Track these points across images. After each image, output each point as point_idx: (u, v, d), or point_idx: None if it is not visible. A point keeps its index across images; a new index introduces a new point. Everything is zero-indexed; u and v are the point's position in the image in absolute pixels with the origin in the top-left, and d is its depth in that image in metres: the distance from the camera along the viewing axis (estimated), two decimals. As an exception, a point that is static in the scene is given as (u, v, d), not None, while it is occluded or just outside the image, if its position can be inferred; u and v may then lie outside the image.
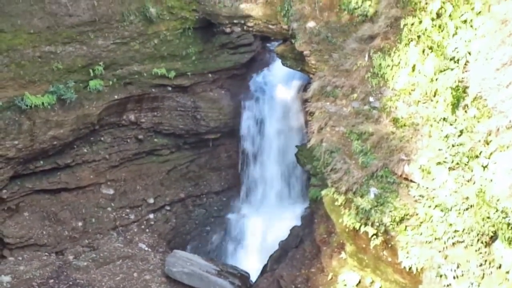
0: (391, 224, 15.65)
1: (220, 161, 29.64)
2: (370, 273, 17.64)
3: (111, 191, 26.34)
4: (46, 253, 23.64)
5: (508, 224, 13.31)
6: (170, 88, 26.19)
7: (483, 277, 14.19)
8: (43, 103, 21.95)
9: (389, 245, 16.02)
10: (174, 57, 25.48)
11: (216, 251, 28.71)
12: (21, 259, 23.06)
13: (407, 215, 15.52)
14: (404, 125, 16.37)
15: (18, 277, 21.83)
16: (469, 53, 15.10)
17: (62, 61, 22.35)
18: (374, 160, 16.41)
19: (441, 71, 15.74)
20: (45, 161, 23.80)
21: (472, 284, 14.25)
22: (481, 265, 14.24)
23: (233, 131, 28.64)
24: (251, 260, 27.02)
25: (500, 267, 13.89)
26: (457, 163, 14.87)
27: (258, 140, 28.99)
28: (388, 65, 17.23)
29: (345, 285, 18.49)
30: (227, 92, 28.29)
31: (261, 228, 28.24)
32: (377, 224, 15.95)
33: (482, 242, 14.24)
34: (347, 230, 17.24)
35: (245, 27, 23.72)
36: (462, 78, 15.18)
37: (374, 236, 16.28)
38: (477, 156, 14.49)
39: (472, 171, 14.60)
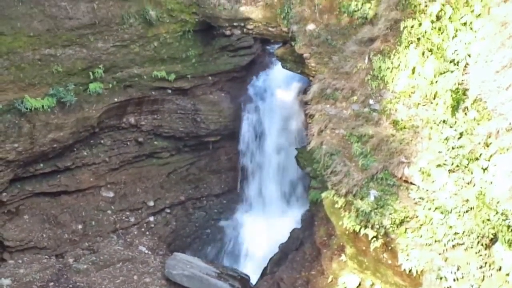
0: (391, 227, 15.65)
1: (220, 164, 29.64)
2: (370, 275, 17.64)
3: (111, 194, 26.33)
4: (46, 256, 23.63)
5: (508, 227, 13.31)
6: (170, 91, 26.18)
7: (483, 279, 14.19)
8: (43, 106, 21.91)
9: (389, 248, 16.02)
10: (174, 60, 25.47)
11: (216, 253, 28.70)
12: (21, 262, 23.04)
13: (407, 217, 15.53)
14: (404, 128, 16.38)
15: (18, 280, 21.81)
16: (469, 56, 15.11)
17: (62, 64, 22.33)
18: (374, 162, 16.42)
19: (441, 74, 15.75)
20: (45, 164, 23.79)
21: (472, 286, 14.26)
22: (481, 267, 14.25)
23: (233, 133, 28.65)
24: (251, 262, 27.05)
25: (500, 269, 13.89)
26: (457, 166, 14.88)
27: (259, 142, 29.05)
28: (388, 68, 17.24)
29: (345, 287, 18.47)
30: (227, 95, 28.29)
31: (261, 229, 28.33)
32: (377, 226, 15.95)
33: (482, 244, 14.25)
34: (347, 232, 17.24)
35: (245, 30, 23.74)
36: (462, 80, 15.18)
37: (374, 239, 16.29)
38: (477, 159, 14.49)
39: (472, 173, 14.60)
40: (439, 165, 15.13)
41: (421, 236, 15.15)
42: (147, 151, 27.07)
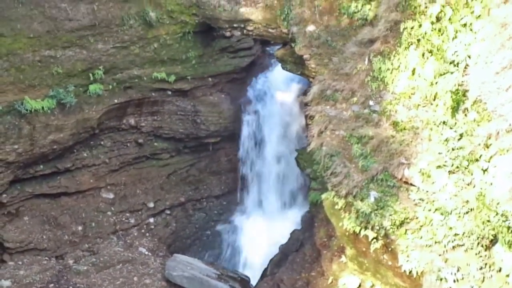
0: (391, 228, 15.65)
1: (220, 165, 29.63)
2: (370, 276, 17.64)
3: (111, 195, 26.33)
4: (46, 258, 23.61)
5: (508, 228, 13.31)
6: (170, 92, 26.18)
7: (483, 281, 14.20)
8: (43, 108, 21.92)
9: (389, 249, 16.02)
10: (174, 61, 25.47)
11: (217, 255, 28.70)
12: (21, 264, 23.03)
13: (407, 218, 15.53)
14: (404, 129, 16.38)
15: (18, 282, 21.78)
16: (469, 57, 15.10)
17: (62, 65, 22.34)
18: (374, 163, 16.42)
19: (441, 75, 15.74)
20: (45, 166, 23.80)
21: (472, 287, 14.25)
22: (481, 268, 14.25)
23: (233, 135, 28.64)
24: (250, 264, 27.05)
25: (500, 270, 13.90)
26: (457, 167, 14.87)
27: (258, 144, 29.04)
28: (388, 69, 17.23)
29: (346, 288, 18.51)
30: (227, 96, 28.28)
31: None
32: (377, 227, 15.95)
33: (482, 246, 14.25)
34: (347, 233, 17.24)
35: (245, 31, 23.73)
36: (462, 81, 15.18)
37: (374, 240, 16.29)
38: (477, 160, 14.49)
39: (472, 174, 14.60)
40: (439, 166, 15.13)
41: (421, 237, 15.15)
42: (147, 153, 27.08)
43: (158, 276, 23.30)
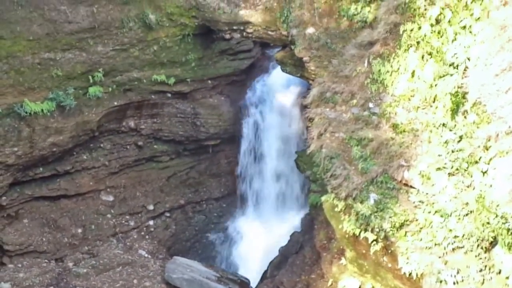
0: (391, 230, 15.62)
1: (220, 168, 29.61)
2: (370, 279, 17.61)
3: (111, 198, 26.33)
4: (46, 260, 23.60)
5: (508, 230, 13.31)
6: (169, 95, 26.19)
7: (483, 283, 14.17)
8: (42, 110, 21.94)
9: (389, 251, 16.00)
10: (173, 64, 25.48)
11: (217, 257, 28.68)
12: (21, 266, 23.02)
13: (407, 221, 15.50)
14: (404, 131, 16.38)
15: (18, 284, 21.76)
16: (468, 59, 15.12)
17: (61, 68, 22.35)
18: (374, 166, 16.41)
19: (440, 77, 15.76)
20: (45, 168, 23.79)
21: (472, 289, 14.26)
22: (481, 270, 14.22)
23: (233, 137, 28.63)
24: (250, 266, 27.01)
25: (500, 272, 13.88)
26: (457, 169, 14.87)
27: (258, 146, 29.06)
28: (388, 71, 17.24)
29: (345, 291, 18.50)
30: (226, 99, 28.28)
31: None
32: (377, 230, 15.93)
33: (482, 248, 14.24)
34: (347, 236, 17.22)
35: (244, 34, 23.75)
36: (462, 84, 15.19)
37: (374, 242, 16.26)
38: (476, 162, 14.49)
39: (471, 176, 14.60)
40: (438, 169, 15.12)
41: (421, 240, 15.13)
42: (147, 155, 27.07)
43: (158, 278, 23.26)
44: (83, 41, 22.67)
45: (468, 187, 14.66)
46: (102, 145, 25.59)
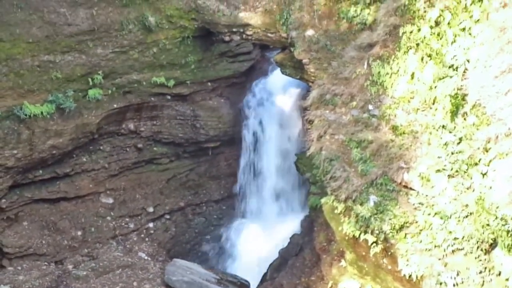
0: (390, 232, 15.62)
1: (219, 170, 29.60)
2: (370, 281, 17.60)
3: (111, 200, 26.32)
4: (46, 263, 23.60)
5: (508, 231, 13.31)
6: (169, 97, 26.18)
7: (483, 285, 14.18)
8: (42, 112, 21.91)
9: (389, 253, 15.99)
10: (173, 66, 25.46)
11: (216, 260, 28.66)
12: (20, 269, 23.00)
13: (406, 222, 15.50)
14: (403, 133, 16.38)
15: (18, 287, 21.75)
16: (468, 61, 15.12)
17: (61, 70, 22.33)
18: (374, 168, 16.41)
19: (440, 79, 15.76)
20: (44, 170, 23.78)
21: (472, 291, 14.26)
22: (480, 272, 14.23)
23: (232, 139, 28.63)
24: (250, 268, 26.99)
25: (499, 274, 13.88)
26: (457, 171, 14.87)
27: (258, 147, 29.07)
28: (387, 73, 17.25)
29: (345, 293, 18.48)
30: (226, 101, 28.28)
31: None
32: (377, 232, 15.93)
33: (481, 250, 14.24)
34: (346, 238, 17.21)
35: (244, 36, 23.75)
36: (461, 85, 15.20)
37: (374, 244, 16.26)
38: (476, 164, 14.49)
39: (471, 178, 14.59)
40: (438, 170, 15.12)
41: (420, 241, 15.12)
42: (147, 157, 27.06)
43: (158, 281, 23.25)
44: (82, 43, 22.66)
45: (467, 189, 14.65)
46: (101, 147, 25.58)
